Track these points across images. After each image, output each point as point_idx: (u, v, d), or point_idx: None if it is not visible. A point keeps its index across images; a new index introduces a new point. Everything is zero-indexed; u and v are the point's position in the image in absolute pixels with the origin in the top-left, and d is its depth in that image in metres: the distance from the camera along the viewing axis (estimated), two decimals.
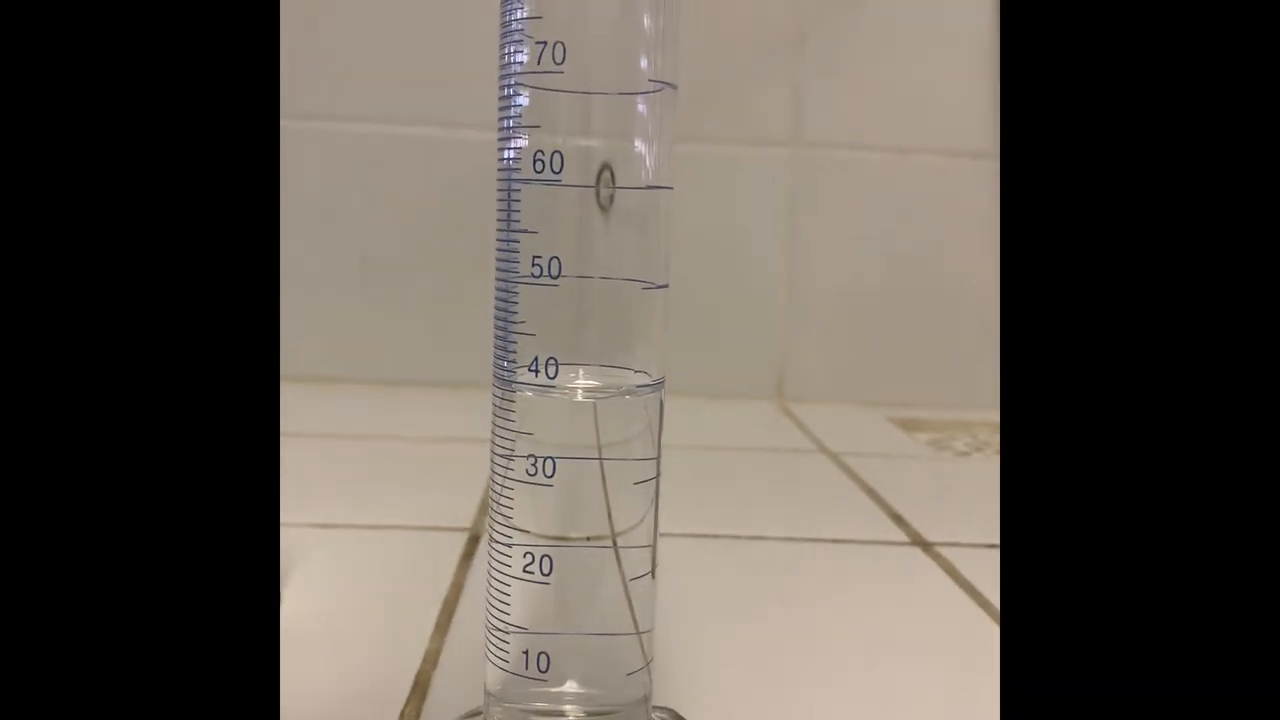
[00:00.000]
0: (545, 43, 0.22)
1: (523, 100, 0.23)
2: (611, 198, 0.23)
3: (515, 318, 0.24)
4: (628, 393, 0.24)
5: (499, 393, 0.24)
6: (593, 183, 0.23)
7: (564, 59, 0.22)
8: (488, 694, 0.25)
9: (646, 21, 0.23)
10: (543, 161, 0.23)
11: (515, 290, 0.24)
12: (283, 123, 0.75)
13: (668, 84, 0.23)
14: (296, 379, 0.77)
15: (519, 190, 0.23)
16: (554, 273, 0.23)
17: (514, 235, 0.23)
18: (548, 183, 0.23)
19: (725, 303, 0.80)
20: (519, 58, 0.23)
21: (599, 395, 0.24)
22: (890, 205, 0.81)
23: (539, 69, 0.23)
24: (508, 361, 0.24)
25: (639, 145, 0.23)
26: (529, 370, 0.23)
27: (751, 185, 0.81)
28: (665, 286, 0.24)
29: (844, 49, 0.80)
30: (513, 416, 0.24)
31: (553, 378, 0.23)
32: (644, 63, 0.23)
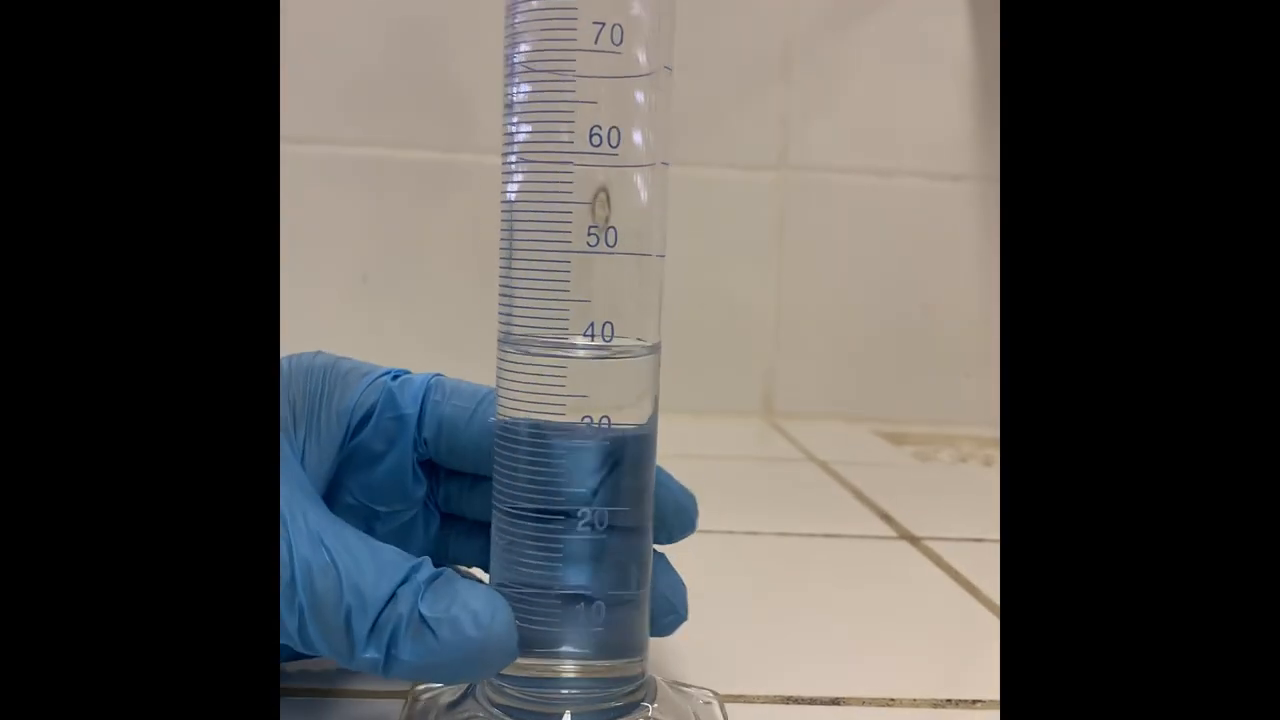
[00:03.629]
0: (603, 24, 0.24)
1: (577, 83, 0.24)
2: (607, 218, 0.25)
3: (566, 286, 0.25)
4: (645, 351, 0.26)
5: (550, 361, 0.25)
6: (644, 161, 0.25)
7: (621, 41, 0.24)
8: None
9: (647, 14, 0.25)
10: (599, 136, 0.24)
11: (567, 261, 0.25)
12: (284, 146, 0.76)
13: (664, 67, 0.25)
14: None
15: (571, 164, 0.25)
16: (610, 242, 0.25)
17: (567, 207, 0.25)
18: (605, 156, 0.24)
19: (714, 322, 0.82)
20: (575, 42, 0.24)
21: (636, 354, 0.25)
22: (874, 227, 0.83)
23: (595, 48, 0.24)
24: (558, 330, 0.25)
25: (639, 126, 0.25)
26: (584, 335, 0.25)
27: (739, 208, 0.83)
28: (662, 256, 0.26)
29: (828, 75, 0.82)
30: (564, 382, 0.25)
31: (609, 340, 0.25)
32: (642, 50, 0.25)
